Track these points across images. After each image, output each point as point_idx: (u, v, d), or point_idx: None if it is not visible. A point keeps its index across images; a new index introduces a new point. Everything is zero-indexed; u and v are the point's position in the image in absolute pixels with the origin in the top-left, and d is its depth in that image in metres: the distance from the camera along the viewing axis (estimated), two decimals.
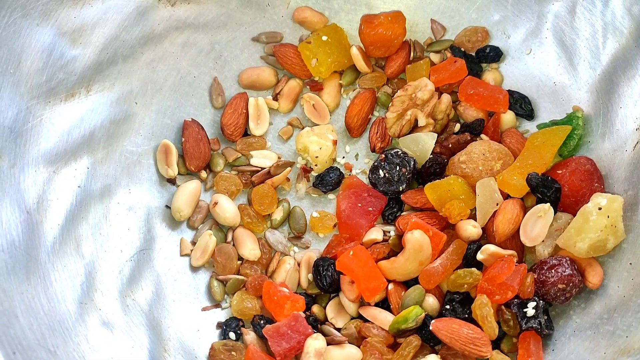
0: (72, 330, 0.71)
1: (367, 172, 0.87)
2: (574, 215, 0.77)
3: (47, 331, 0.69)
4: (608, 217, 0.74)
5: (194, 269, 0.85)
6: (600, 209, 0.74)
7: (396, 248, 0.82)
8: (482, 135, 0.86)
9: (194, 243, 0.85)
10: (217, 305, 0.84)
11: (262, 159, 0.88)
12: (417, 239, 0.78)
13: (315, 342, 0.75)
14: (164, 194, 0.86)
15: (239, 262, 0.85)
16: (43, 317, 0.69)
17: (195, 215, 0.86)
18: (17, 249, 0.71)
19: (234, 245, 0.85)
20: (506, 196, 0.81)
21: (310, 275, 0.83)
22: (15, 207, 0.72)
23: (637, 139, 0.79)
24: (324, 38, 0.88)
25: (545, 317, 0.76)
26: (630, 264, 0.76)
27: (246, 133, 0.90)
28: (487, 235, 0.81)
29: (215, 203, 0.85)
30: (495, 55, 0.89)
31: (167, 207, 0.79)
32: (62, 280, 0.73)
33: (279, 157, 0.89)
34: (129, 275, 0.80)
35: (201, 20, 0.87)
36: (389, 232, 0.84)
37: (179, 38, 0.87)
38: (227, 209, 0.85)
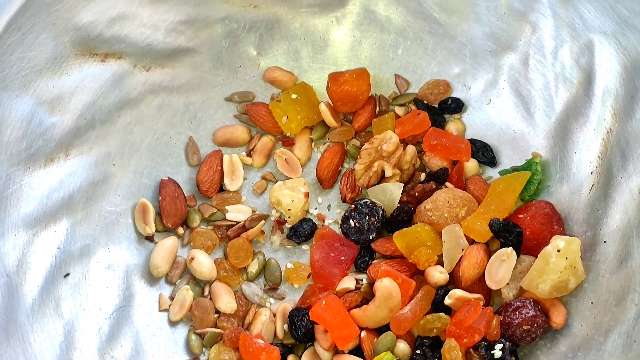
0: None
1: (340, 222, 0.90)
2: (537, 258, 0.80)
3: None
4: (567, 258, 0.77)
5: (173, 323, 0.87)
6: (559, 250, 0.77)
7: (368, 296, 0.84)
8: (447, 184, 0.89)
9: (172, 298, 0.88)
10: (195, 358, 0.85)
11: (237, 213, 0.91)
12: (387, 286, 0.80)
13: None
14: (142, 251, 0.88)
15: (216, 315, 0.87)
16: None
17: (173, 271, 0.88)
18: None
19: (210, 299, 0.87)
20: (471, 241, 0.84)
21: (286, 326, 0.85)
22: None
23: (592, 182, 0.82)
24: (294, 96, 0.92)
25: (513, 358, 0.78)
26: (592, 302, 0.78)
27: (221, 189, 0.93)
28: (454, 280, 0.84)
29: (192, 258, 0.87)
30: (456, 106, 0.93)
31: (66, 275, 0.79)
32: (40, 340, 0.75)
33: (253, 211, 0.92)
34: (108, 333, 0.82)
35: (175, 83, 0.91)
36: (362, 280, 0.86)
37: (155, 101, 0.90)
38: (203, 263, 0.87)
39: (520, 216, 0.83)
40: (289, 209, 0.89)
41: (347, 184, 0.91)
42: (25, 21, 0.77)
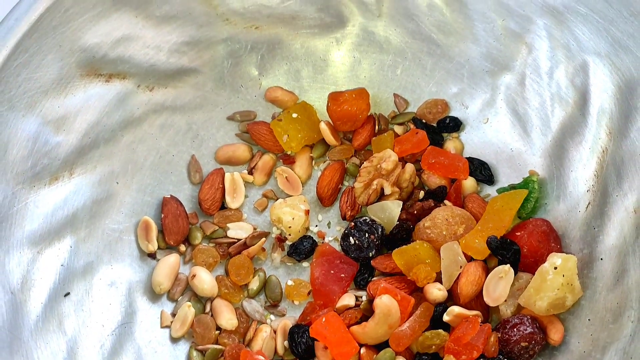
0: None
1: (339, 240, 0.91)
2: (534, 275, 0.81)
3: None
4: (564, 275, 0.78)
5: (174, 339, 0.88)
6: (555, 268, 0.78)
7: (368, 313, 0.85)
8: (446, 201, 0.90)
9: (173, 315, 0.88)
10: None
11: (238, 230, 0.92)
12: (386, 303, 0.81)
13: None
14: (144, 268, 0.89)
15: (217, 331, 0.88)
16: None
17: (175, 288, 0.89)
18: (1, 329, 0.74)
19: (212, 315, 0.88)
20: (470, 259, 0.85)
21: (286, 343, 0.86)
22: (0, 289, 0.76)
23: (589, 200, 0.83)
24: (294, 115, 0.94)
25: None
26: (589, 319, 0.79)
27: (223, 206, 0.94)
28: (453, 297, 0.85)
29: (194, 275, 0.88)
30: (454, 125, 0.94)
31: (67, 294, 0.80)
32: (44, 357, 0.76)
33: (254, 228, 0.93)
34: (110, 349, 0.82)
35: (178, 103, 0.93)
36: (361, 297, 0.87)
37: (158, 120, 0.92)
38: (205, 280, 0.88)
39: (518, 234, 0.84)
40: (290, 227, 0.90)
41: (347, 201, 0.92)
42: (32, 43, 0.79)
